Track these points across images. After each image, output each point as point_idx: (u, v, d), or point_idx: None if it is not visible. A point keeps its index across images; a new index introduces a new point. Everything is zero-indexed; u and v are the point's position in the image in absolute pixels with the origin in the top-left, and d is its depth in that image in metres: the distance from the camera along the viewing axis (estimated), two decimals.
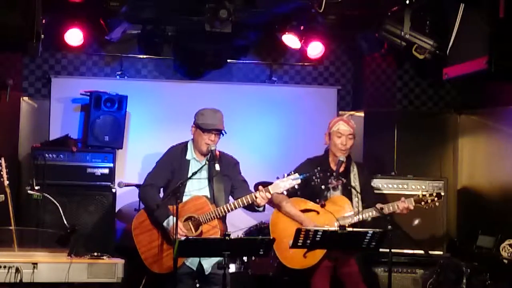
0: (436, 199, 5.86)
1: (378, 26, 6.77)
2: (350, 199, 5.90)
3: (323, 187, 5.89)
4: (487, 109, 7.41)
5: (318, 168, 5.78)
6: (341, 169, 5.96)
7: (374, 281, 6.71)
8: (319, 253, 5.72)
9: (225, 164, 5.77)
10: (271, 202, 5.89)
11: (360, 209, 5.82)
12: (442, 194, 5.92)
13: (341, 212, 5.82)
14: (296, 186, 5.59)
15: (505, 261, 6.21)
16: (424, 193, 5.88)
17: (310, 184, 5.84)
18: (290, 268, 5.87)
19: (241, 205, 5.61)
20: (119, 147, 7.26)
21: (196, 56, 7.57)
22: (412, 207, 5.83)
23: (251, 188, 5.96)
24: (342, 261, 5.86)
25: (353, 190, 5.92)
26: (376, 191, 6.58)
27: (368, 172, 6.25)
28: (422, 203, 5.85)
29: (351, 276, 5.87)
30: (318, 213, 5.86)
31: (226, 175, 5.76)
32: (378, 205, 5.84)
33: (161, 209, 5.55)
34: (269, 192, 5.54)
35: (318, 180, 5.79)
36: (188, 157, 5.79)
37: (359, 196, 5.89)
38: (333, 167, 5.96)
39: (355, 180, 6.01)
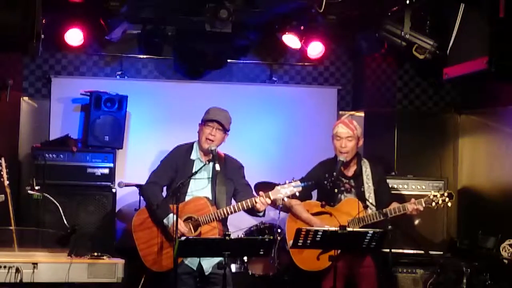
0: (447, 199, 5.65)
1: (378, 26, 6.77)
2: (364, 201, 5.81)
3: (336, 190, 5.88)
4: (487, 109, 7.40)
5: (333, 173, 5.77)
6: (351, 172, 5.95)
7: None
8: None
9: (230, 168, 5.78)
10: (274, 205, 5.88)
11: (374, 210, 5.74)
12: (453, 194, 5.71)
13: (348, 215, 5.76)
14: (297, 194, 5.58)
15: (505, 261, 6.20)
16: (435, 193, 5.67)
17: (323, 188, 5.84)
18: (303, 270, 5.82)
19: (241, 209, 5.60)
20: (119, 147, 7.26)
21: (196, 56, 7.56)
22: (422, 209, 5.69)
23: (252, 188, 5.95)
24: (356, 261, 5.78)
25: (365, 192, 5.87)
26: None
27: (382, 170, 6.16)
28: (433, 203, 5.66)
29: (366, 277, 5.80)
30: (331, 215, 5.81)
31: (230, 178, 5.75)
32: (394, 204, 5.77)
33: (162, 207, 5.56)
34: (269, 198, 5.54)
35: (331, 184, 5.79)
36: (192, 157, 5.78)
37: (371, 198, 5.81)
38: (342, 169, 5.93)
39: (368, 181, 5.93)
